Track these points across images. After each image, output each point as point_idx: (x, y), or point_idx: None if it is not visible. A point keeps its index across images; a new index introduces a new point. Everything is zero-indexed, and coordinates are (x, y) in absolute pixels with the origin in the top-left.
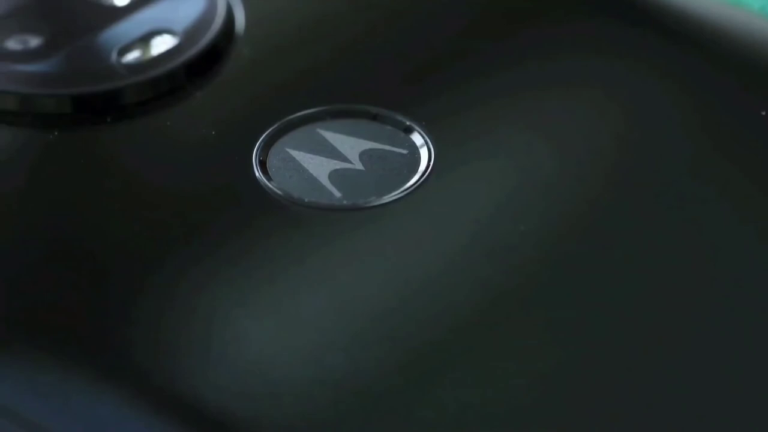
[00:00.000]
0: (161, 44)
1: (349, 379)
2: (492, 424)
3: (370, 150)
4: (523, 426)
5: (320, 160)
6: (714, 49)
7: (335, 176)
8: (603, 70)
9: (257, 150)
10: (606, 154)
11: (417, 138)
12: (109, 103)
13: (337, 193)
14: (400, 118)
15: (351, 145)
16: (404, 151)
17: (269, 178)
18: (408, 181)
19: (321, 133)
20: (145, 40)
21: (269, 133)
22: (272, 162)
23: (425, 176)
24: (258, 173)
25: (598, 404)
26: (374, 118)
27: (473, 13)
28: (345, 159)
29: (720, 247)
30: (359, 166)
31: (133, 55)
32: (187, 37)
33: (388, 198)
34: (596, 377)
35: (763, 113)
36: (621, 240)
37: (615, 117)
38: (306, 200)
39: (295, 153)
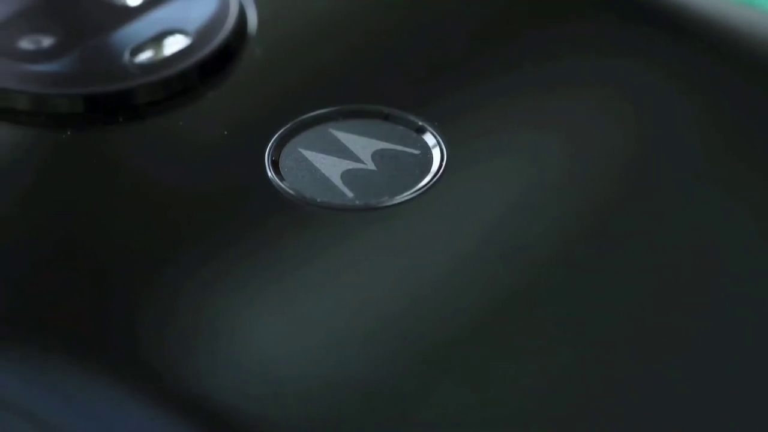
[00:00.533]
0: (174, 44)
1: (361, 379)
2: (504, 426)
3: (383, 150)
4: (535, 428)
5: (332, 160)
6: (728, 50)
7: (347, 176)
8: (617, 70)
9: (269, 150)
10: (619, 155)
11: (429, 138)
12: (121, 103)
13: (350, 194)
14: (412, 118)
15: (363, 146)
16: (416, 152)
17: (281, 178)
18: (420, 181)
19: (333, 133)
20: (157, 40)
21: (281, 133)
22: (285, 162)
23: (437, 177)
24: (270, 173)
25: (613, 407)
26: (386, 118)
27: (486, 13)
28: (357, 159)
29: (734, 249)
30: (371, 166)
31: (145, 55)
32: (200, 37)
33: (400, 198)
34: (612, 380)
35: None
36: (634, 242)
37: (629, 118)
38: (318, 200)
39: (307, 153)
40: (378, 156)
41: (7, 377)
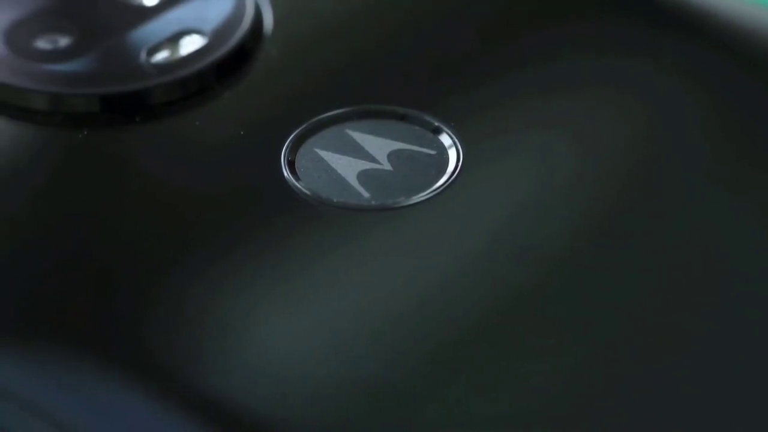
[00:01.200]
0: (190, 44)
1: (374, 379)
2: (513, 427)
3: (399, 150)
4: (544, 429)
5: (348, 160)
6: (739, 50)
7: (364, 177)
8: (633, 71)
9: (286, 150)
10: (636, 156)
11: (445, 138)
12: (137, 103)
13: (366, 194)
14: (428, 118)
15: (379, 146)
16: (433, 152)
17: (298, 179)
18: (436, 181)
19: (349, 133)
20: (173, 40)
21: (298, 133)
22: (301, 162)
23: (454, 177)
24: (286, 173)
25: (623, 410)
26: (403, 118)
27: (504, 13)
28: (373, 159)
29: (746, 253)
30: (388, 166)
31: (161, 55)
32: (216, 37)
33: (416, 198)
34: (622, 383)
35: None
36: (651, 244)
37: (645, 119)
38: (334, 200)
39: (323, 153)
40: (394, 156)
41: (23, 376)
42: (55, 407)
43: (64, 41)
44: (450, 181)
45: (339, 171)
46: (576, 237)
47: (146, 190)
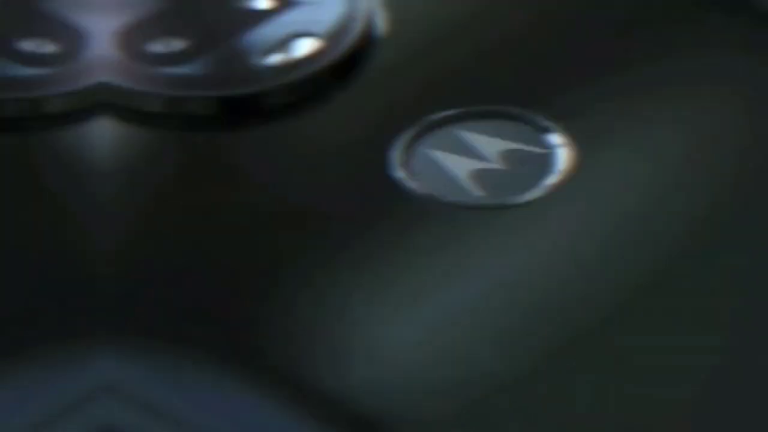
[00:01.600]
0: (303, 47)
1: (494, 378)
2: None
3: (510, 150)
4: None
5: (460, 159)
6: None
7: (475, 175)
8: (748, 71)
9: (398, 150)
10: (750, 154)
11: (556, 138)
12: (252, 106)
13: (478, 192)
14: (539, 118)
15: (491, 145)
16: (543, 151)
17: (411, 179)
18: (548, 180)
19: (461, 133)
20: (287, 43)
21: (410, 133)
22: (413, 162)
23: (564, 176)
24: (399, 173)
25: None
26: (513, 118)
27: (615, 14)
28: (485, 158)
29: None
30: (499, 165)
31: (275, 58)
32: (329, 39)
33: (528, 197)
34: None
35: None
36: None
37: (762, 117)
38: (447, 199)
39: (435, 153)
40: (505, 155)
41: (138, 374)
42: (170, 406)
43: (178, 45)
44: (560, 180)
45: (451, 170)
46: (691, 236)
47: (260, 191)
